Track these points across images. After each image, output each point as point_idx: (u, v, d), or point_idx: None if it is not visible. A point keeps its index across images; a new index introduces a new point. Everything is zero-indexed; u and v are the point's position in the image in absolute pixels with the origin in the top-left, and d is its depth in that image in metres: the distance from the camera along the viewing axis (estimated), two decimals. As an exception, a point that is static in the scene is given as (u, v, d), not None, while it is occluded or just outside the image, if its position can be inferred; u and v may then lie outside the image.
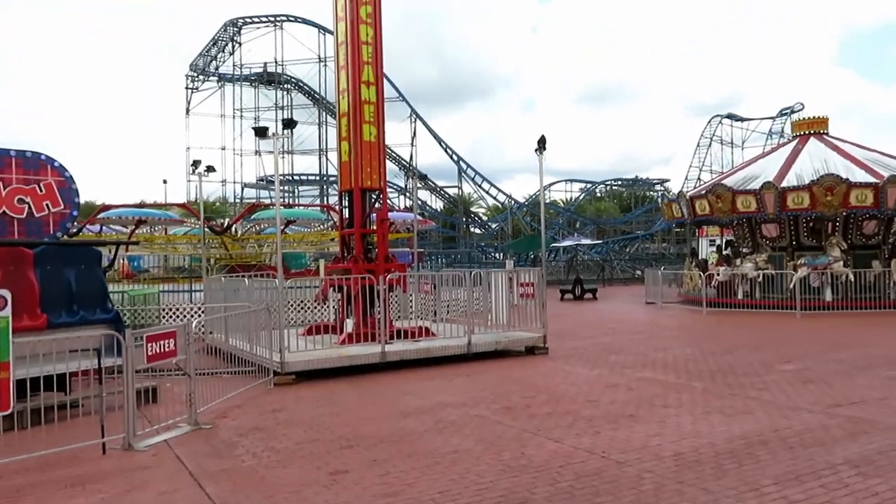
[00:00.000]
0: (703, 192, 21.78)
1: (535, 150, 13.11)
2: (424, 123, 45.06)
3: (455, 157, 46.10)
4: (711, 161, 53.79)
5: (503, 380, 9.99)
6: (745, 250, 24.23)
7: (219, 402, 8.49)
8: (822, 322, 17.09)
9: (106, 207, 19.42)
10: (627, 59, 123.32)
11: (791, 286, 19.73)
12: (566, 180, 64.55)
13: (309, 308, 16.33)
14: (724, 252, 24.72)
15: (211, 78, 48.71)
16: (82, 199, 10.07)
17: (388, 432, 7.11)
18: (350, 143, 12.94)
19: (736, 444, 6.29)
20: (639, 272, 43.52)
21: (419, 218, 24.07)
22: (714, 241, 39.54)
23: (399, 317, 15.09)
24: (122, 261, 19.18)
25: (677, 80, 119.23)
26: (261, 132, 11.45)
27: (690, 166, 53.87)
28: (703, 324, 17.69)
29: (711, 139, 54.96)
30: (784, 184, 19.99)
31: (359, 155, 12.76)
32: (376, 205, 13.38)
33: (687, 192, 22.85)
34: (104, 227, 20.46)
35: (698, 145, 55.05)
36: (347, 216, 13.36)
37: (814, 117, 23.36)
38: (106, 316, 8.85)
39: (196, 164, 14.84)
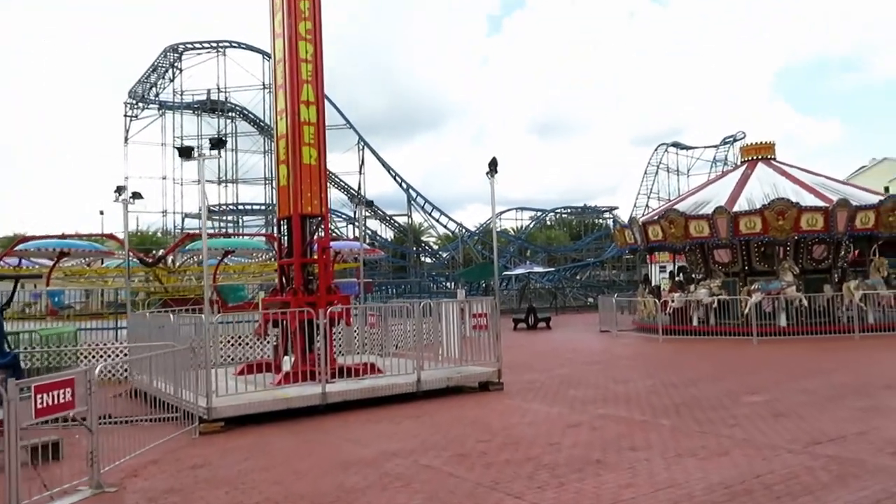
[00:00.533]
0: (656, 217, 21.53)
1: (487, 174, 12.47)
2: (373, 151, 44.36)
3: (404, 186, 45.42)
4: (659, 188, 54.41)
5: (456, 421, 9.15)
6: (697, 276, 24.07)
7: (132, 456, 7.41)
8: (779, 348, 16.77)
9: (25, 239, 17.96)
10: (574, 91, 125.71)
11: (745, 312, 19.49)
12: (516, 208, 64.57)
13: (248, 344, 15.22)
14: (676, 278, 24.52)
15: (151, 105, 47.13)
16: (11, 232, 8.94)
17: (325, 489, 6.19)
18: (289, 167, 12.05)
19: (718, 494, 5.58)
20: (591, 299, 43.39)
21: (366, 247, 23.20)
22: (665, 267, 39.68)
23: (342, 352, 14.14)
24: (39, 298, 17.75)
25: (621, 111, 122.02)
26: (185, 152, 10.45)
27: (639, 194, 54.42)
28: (661, 352, 17.20)
29: (658, 167, 55.66)
30: (735, 208, 19.85)
31: (298, 179, 11.88)
32: (318, 233, 12.49)
33: (639, 217, 22.58)
34: (24, 261, 18.97)
35: (645, 173, 55.69)
36: (287, 245, 12.42)
37: (761, 143, 23.49)
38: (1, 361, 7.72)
39: (120, 189, 13.71)
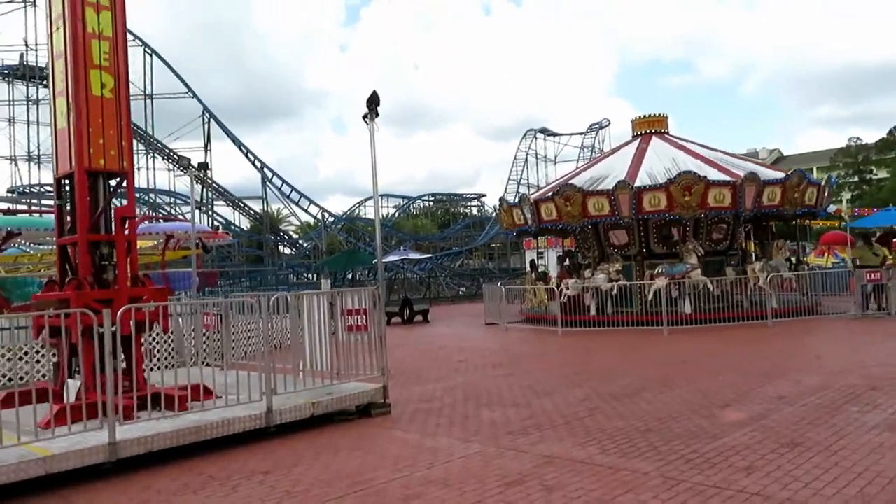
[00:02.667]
0: (550, 194, 19.08)
1: (364, 117, 9.15)
2: (221, 124, 39.18)
3: (258, 165, 40.63)
4: (528, 175, 53.18)
5: (326, 484, 5.80)
6: (586, 261, 22.05)
7: None
8: (694, 339, 14.77)
9: None
10: (432, 84, 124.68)
11: (649, 298, 17.50)
12: (382, 195, 61.43)
13: (29, 359, 10.95)
14: (565, 264, 22.37)
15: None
16: None
17: None
18: (69, 100, 8.10)
19: None
20: (463, 289, 41.11)
21: (207, 230, 19.11)
22: (542, 253, 38.03)
23: (156, 367, 10.34)
24: None
25: (476, 105, 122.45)
26: None
27: (508, 180, 52.94)
28: (566, 348, 14.67)
29: (527, 153, 54.49)
30: (637, 183, 17.77)
31: (83, 117, 7.97)
32: (118, 200, 8.64)
33: (531, 195, 20.10)
34: None
35: (515, 158, 54.38)
36: (70, 217, 8.45)
37: (653, 115, 21.73)
38: None
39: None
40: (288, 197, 44.43)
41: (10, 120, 40.27)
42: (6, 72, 39.76)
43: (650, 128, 21.50)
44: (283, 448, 6.99)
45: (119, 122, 8.35)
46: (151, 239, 17.88)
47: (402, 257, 25.26)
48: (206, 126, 37.89)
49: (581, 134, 56.65)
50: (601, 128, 55.05)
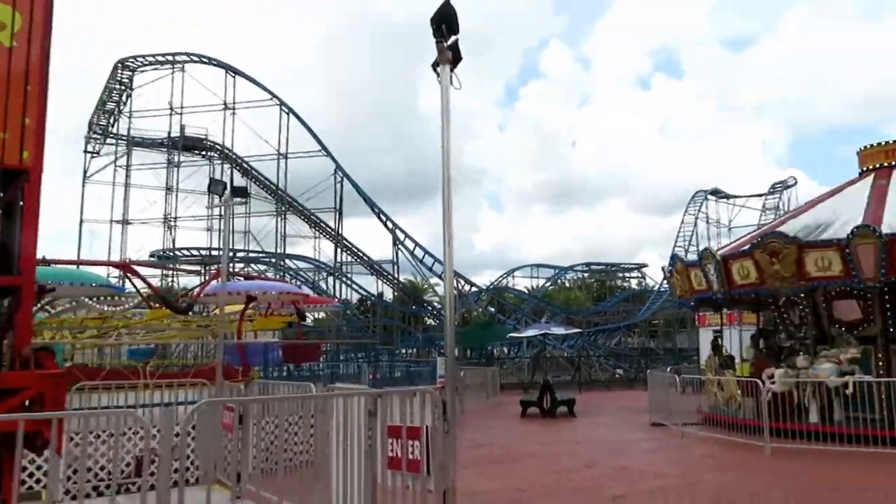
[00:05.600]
0: (747, 248, 13.70)
1: (434, 65, 4.96)
2: (354, 185, 36.86)
3: (390, 226, 37.54)
4: (698, 241, 46.47)
5: None
6: (790, 343, 16.19)
7: None
8: None
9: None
10: (588, 160, 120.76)
11: (912, 404, 11.53)
12: (532, 265, 57.04)
13: None
14: (761, 346, 16.55)
15: (109, 141, 40.13)
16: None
17: None
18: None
19: None
20: (620, 371, 35.17)
21: (298, 291, 15.64)
22: (718, 331, 31.45)
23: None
24: None
25: (635, 180, 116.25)
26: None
27: (675, 246, 46.46)
28: (790, 485, 9.16)
29: (696, 217, 48.03)
30: (886, 230, 12.07)
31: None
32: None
33: (717, 250, 14.82)
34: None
35: (682, 223, 48.03)
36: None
37: (893, 142, 15.74)
38: None
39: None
40: (430, 269, 41.28)
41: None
42: (167, 143, 40.48)
43: (888, 159, 15.55)
44: None
45: (24, 100, 4.71)
46: (237, 301, 14.73)
47: (544, 331, 20.56)
48: (339, 186, 35.89)
49: (761, 196, 49.32)
50: (787, 187, 47.49)
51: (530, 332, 21.21)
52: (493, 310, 48.25)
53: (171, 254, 35.37)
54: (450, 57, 4.83)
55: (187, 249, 35.82)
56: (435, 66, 4.99)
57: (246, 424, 7.04)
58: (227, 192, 8.60)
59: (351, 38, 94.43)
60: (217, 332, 16.32)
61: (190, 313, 15.89)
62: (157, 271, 35.33)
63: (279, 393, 8.33)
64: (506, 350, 34.34)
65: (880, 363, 13.41)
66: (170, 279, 34.32)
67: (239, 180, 39.09)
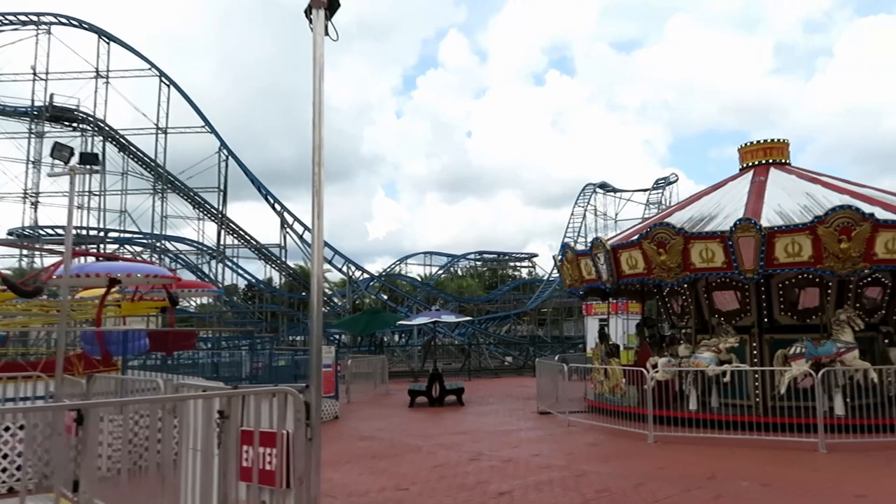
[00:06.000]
0: (636, 238, 13.79)
1: (307, 11, 4.26)
2: (239, 163, 35.05)
3: (277, 209, 36.04)
4: (587, 232, 47.78)
5: None
6: (671, 332, 16.60)
7: None
8: (879, 466, 9.15)
9: None
10: (482, 151, 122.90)
11: (782, 391, 11.95)
12: (425, 253, 56.90)
13: None
14: (646, 336, 16.87)
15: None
16: None
17: None
18: None
19: None
20: (509, 359, 35.53)
21: (167, 272, 14.43)
22: (604, 320, 32.31)
23: None
24: None
25: (526, 173, 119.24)
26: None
27: (565, 236, 47.47)
28: (676, 474, 9.14)
29: (585, 209, 49.30)
30: (765, 223, 12.42)
31: None
32: None
33: (607, 239, 14.85)
34: None
35: (571, 215, 49.12)
36: None
37: (769, 141, 16.39)
38: None
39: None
40: (330, 262, 40.00)
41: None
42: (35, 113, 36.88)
43: (766, 157, 16.15)
44: None
45: None
46: (100, 285, 13.30)
47: (434, 319, 20.20)
48: (224, 164, 33.95)
49: (645, 190, 51.30)
50: (668, 183, 49.64)
51: (421, 320, 20.76)
52: (384, 297, 47.65)
53: (34, 232, 32.32)
54: (325, 1, 4.17)
55: (52, 228, 32.82)
56: (308, 11, 4.31)
57: (89, 427, 6.14)
58: (75, 158, 7.50)
59: (247, 15, 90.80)
60: (75, 318, 14.80)
61: (43, 297, 14.33)
62: (16, 251, 32.31)
63: (129, 387, 7.37)
64: (396, 338, 33.86)
65: (754, 352, 13.88)
66: (32, 260, 31.43)
67: (115, 155, 36.35)
